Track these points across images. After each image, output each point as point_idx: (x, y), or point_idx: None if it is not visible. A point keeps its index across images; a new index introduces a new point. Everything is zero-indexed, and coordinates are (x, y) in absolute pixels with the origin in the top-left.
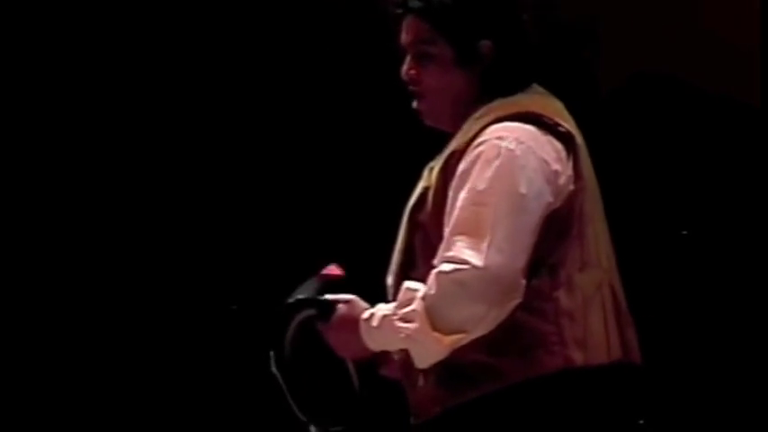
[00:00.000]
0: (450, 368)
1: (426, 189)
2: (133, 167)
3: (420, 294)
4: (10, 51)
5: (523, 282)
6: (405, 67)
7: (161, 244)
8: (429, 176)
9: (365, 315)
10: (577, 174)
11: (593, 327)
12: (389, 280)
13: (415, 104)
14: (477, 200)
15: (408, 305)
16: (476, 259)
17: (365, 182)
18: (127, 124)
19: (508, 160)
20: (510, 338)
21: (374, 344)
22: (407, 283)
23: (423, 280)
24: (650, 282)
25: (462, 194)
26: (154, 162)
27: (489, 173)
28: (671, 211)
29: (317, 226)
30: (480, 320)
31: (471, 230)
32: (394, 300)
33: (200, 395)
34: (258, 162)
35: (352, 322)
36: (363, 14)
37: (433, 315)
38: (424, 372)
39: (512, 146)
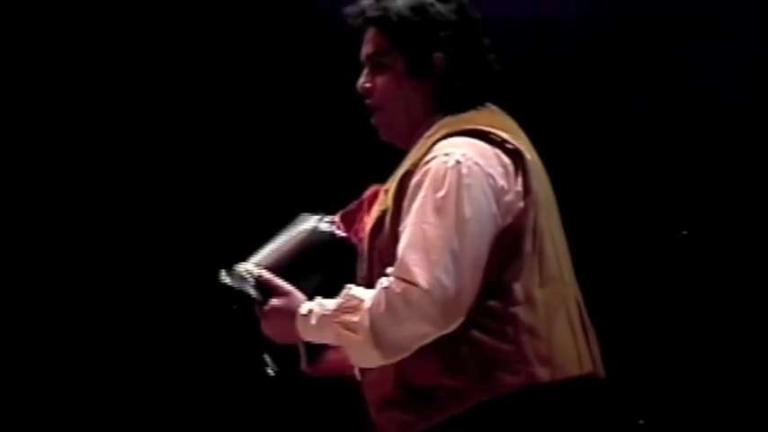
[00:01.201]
0: (413, 392)
1: (383, 212)
2: (133, 167)
3: (366, 306)
4: (10, 51)
5: (469, 303)
6: (360, 81)
7: (161, 244)
8: (385, 199)
9: (303, 310)
10: (526, 189)
11: (560, 342)
12: None
13: (372, 120)
14: (425, 219)
15: (352, 313)
16: (423, 280)
17: (365, 182)
18: (126, 124)
19: (455, 179)
20: (470, 360)
21: (309, 337)
22: (353, 289)
23: None
24: (650, 282)
25: (412, 212)
26: (154, 162)
27: (438, 193)
28: (671, 211)
29: None
30: (422, 340)
31: (420, 248)
32: None
33: (200, 395)
34: (258, 162)
35: (288, 314)
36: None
37: (378, 332)
38: (385, 393)
39: (457, 163)
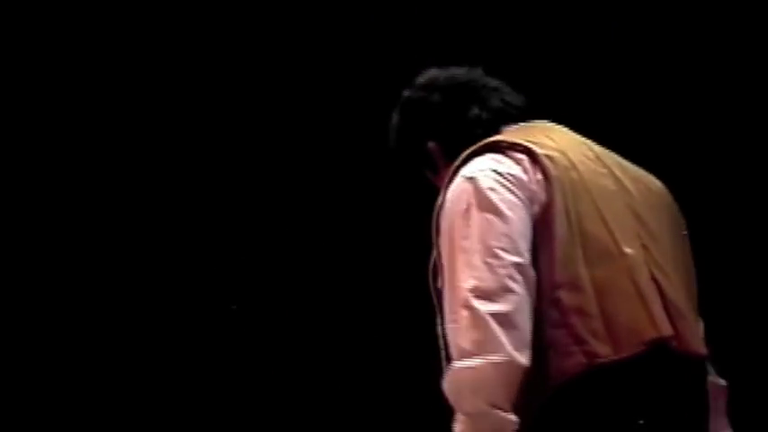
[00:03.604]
0: None
1: (432, 255)
2: (133, 167)
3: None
4: (10, 51)
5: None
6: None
7: (161, 244)
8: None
9: None
10: (548, 180)
11: (619, 317)
12: (441, 342)
13: None
14: (459, 235)
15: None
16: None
17: (365, 182)
18: (126, 124)
19: (473, 188)
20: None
21: None
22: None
23: None
24: None
25: (445, 239)
26: (154, 162)
27: (461, 208)
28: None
29: (317, 226)
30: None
31: (466, 265)
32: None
33: (201, 395)
34: (258, 162)
35: None
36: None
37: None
38: None
39: (471, 178)
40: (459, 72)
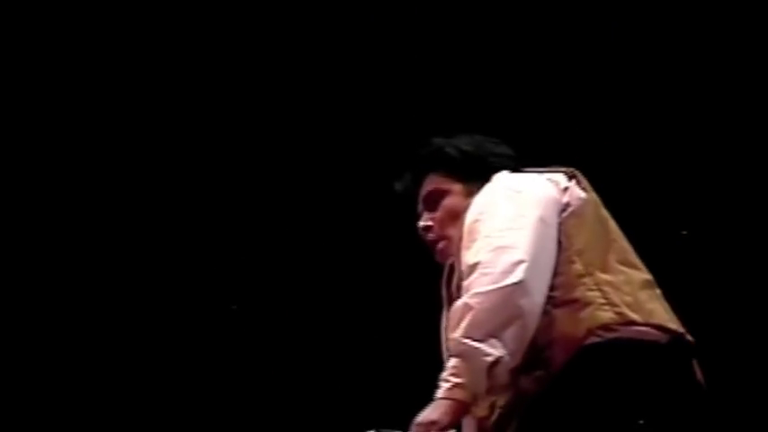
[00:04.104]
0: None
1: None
2: (133, 167)
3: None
4: (10, 51)
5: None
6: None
7: (161, 244)
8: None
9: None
10: (581, 186)
11: (647, 304)
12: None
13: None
14: (480, 211)
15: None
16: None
17: (365, 183)
18: (127, 124)
19: (498, 184)
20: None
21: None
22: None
23: None
24: None
25: (468, 223)
26: (154, 162)
27: (483, 199)
28: (671, 211)
29: (317, 227)
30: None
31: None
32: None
33: (201, 395)
34: (258, 163)
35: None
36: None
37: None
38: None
39: (502, 176)
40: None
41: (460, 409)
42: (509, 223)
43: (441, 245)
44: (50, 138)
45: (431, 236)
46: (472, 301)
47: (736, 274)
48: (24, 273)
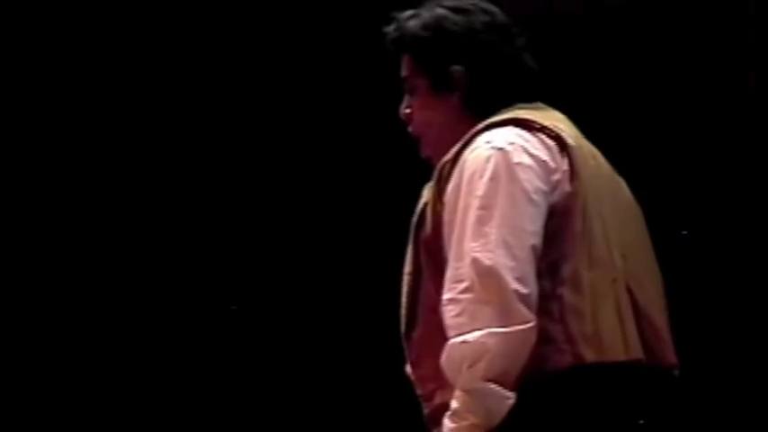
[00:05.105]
0: None
1: (425, 205)
2: (133, 167)
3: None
4: (10, 51)
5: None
6: (401, 107)
7: (161, 244)
8: (427, 193)
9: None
10: (573, 171)
11: (606, 323)
12: (403, 299)
13: (420, 151)
14: (479, 204)
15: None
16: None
17: (365, 181)
18: (127, 124)
19: (501, 162)
20: None
21: None
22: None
23: (432, 302)
24: None
25: (462, 201)
26: (154, 162)
27: (483, 178)
28: (671, 211)
29: (317, 226)
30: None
31: (478, 235)
32: (407, 321)
33: (201, 395)
34: (258, 162)
35: None
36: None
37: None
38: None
39: (500, 149)
40: (497, 10)
41: None
42: (512, 240)
43: (423, 145)
44: (50, 138)
45: (410, 129)
46: (490, 342)
47: (736, 274)
48: (24, 273)
